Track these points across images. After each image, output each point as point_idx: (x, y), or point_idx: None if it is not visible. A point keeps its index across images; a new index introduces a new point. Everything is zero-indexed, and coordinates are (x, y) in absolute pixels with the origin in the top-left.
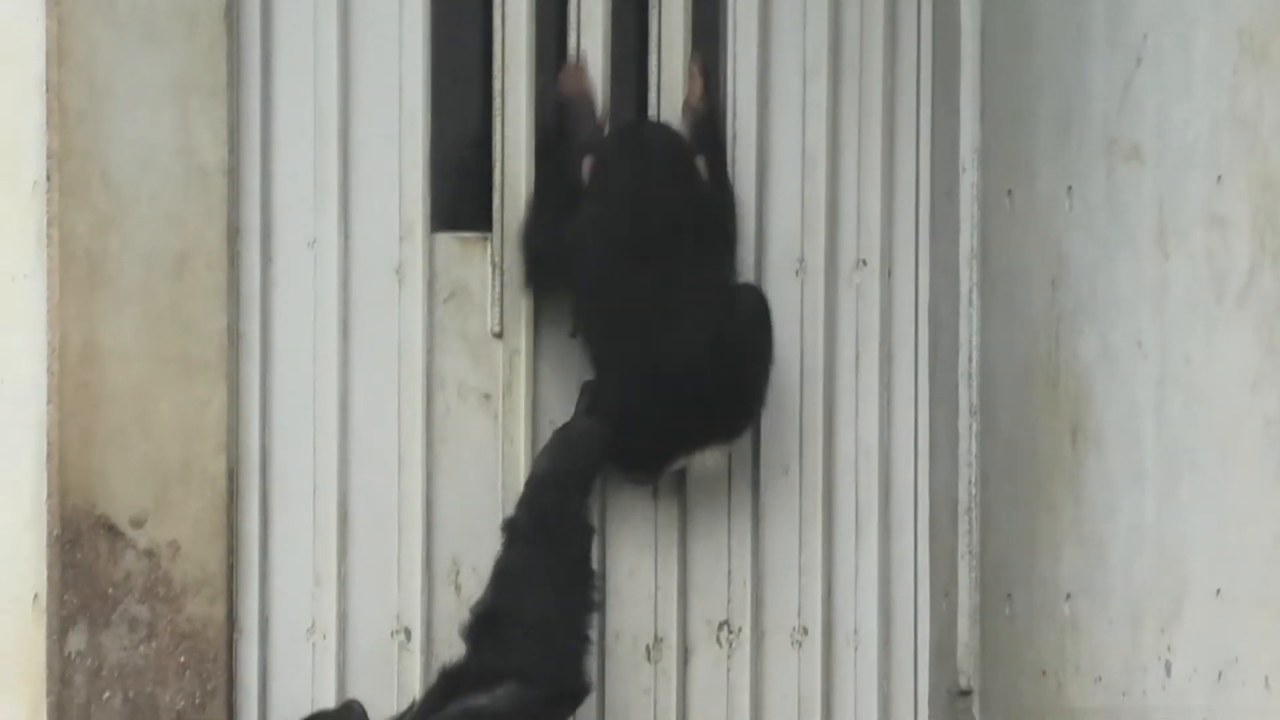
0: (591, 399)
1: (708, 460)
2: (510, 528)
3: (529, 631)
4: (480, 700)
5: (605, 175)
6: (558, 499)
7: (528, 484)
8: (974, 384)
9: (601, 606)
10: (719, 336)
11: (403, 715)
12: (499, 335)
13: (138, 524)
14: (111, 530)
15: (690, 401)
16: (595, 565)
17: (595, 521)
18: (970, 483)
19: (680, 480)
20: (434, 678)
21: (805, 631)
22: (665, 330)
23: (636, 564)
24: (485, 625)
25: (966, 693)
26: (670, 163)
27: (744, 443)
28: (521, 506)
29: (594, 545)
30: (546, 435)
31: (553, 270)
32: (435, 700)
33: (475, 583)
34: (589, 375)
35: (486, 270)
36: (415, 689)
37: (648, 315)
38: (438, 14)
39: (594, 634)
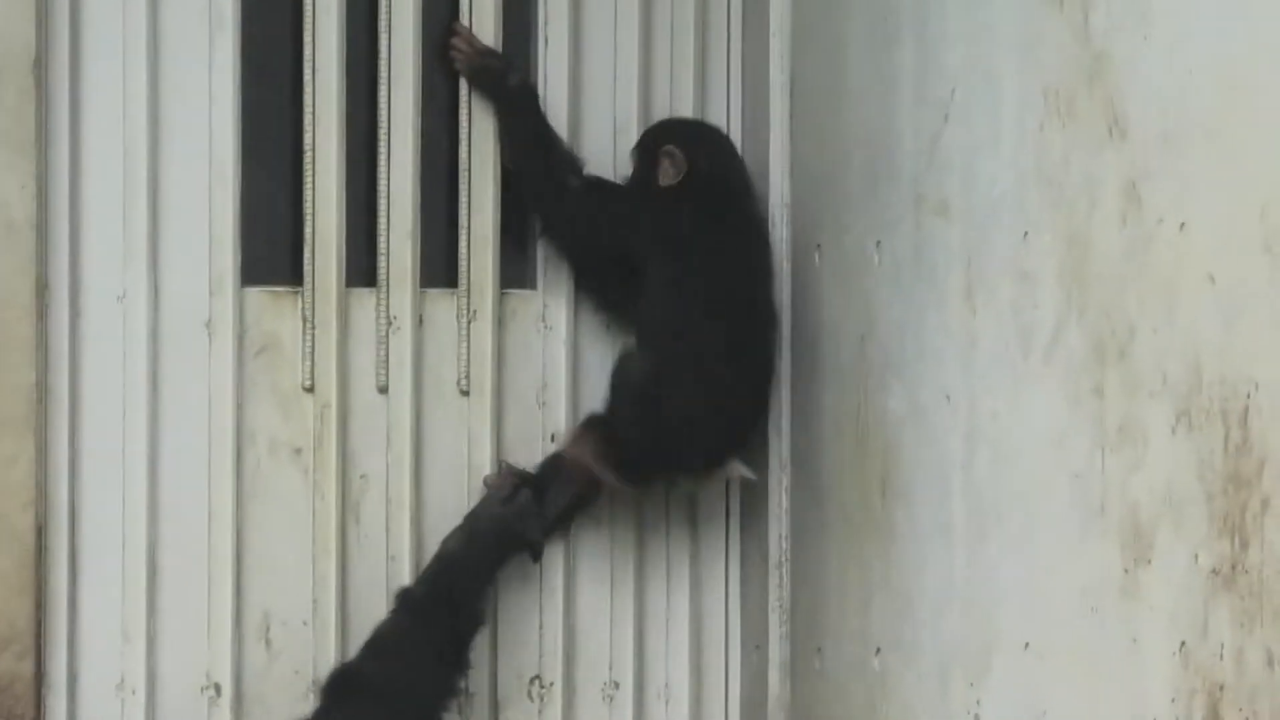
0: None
1: (742, 469)
2: (402, 597)
3: (382, 700)
4: None
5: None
6: (458, 582)
7: (435, 559)
8: (785, 438)
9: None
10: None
11: None
12: (310, 389)
13: None
14: None
15: (750, 397)
16: (470, 655)
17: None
18: (781, 536)
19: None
20: None
21: (617, 686)
22: (751, 323)
23: None
24: (342, 685)
25: None
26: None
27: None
28: (421, 581)
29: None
30: (357, 489)
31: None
32: None
33: (285, 637)
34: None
35: (298, 324)
36: None
37: (739, 306)
38: (248, 67)
39: (450, 710)
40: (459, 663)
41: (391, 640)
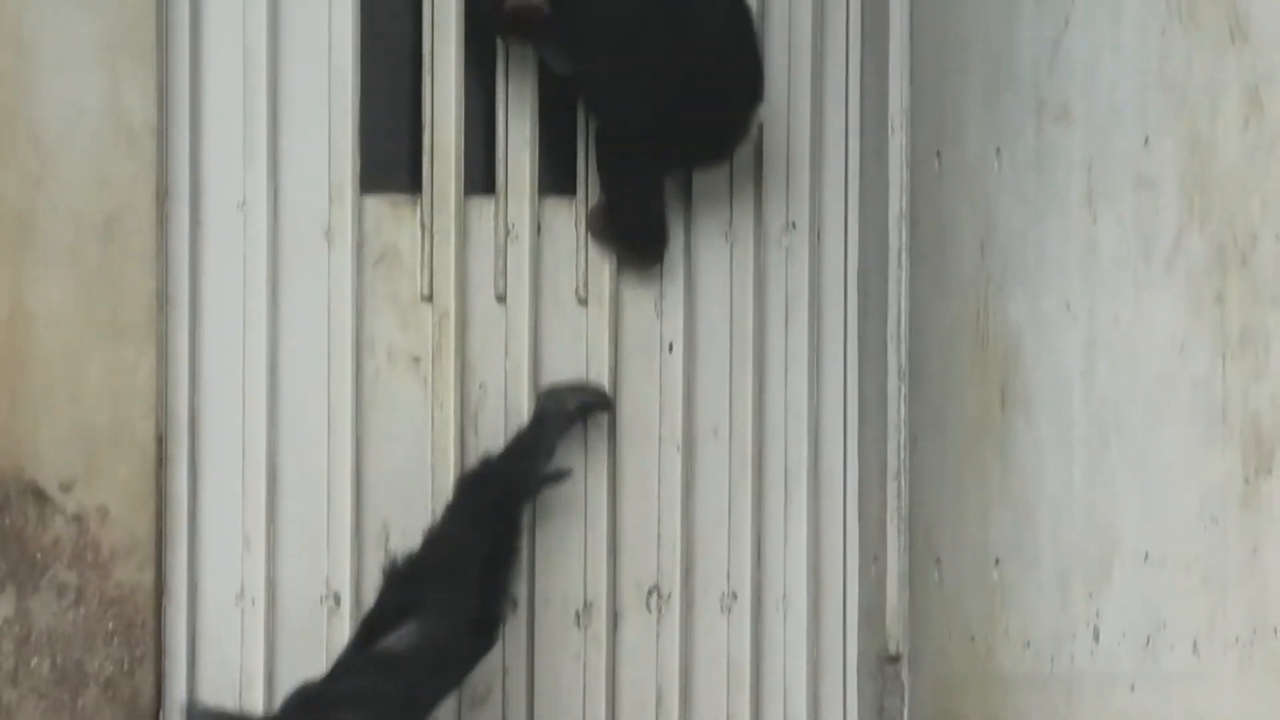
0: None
1: None
2: (458, 483)
3: (437, 565)
4: (387, 641)
5: None
6: (512, 465)
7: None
8: (903, 347)
9: (522, 557)
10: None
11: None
12: (428, 298)
13: (66, 489)
14: (40, 495)
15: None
16: (524, 520)
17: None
18: (899, 446)
19: (608, 444)
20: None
21: (735, 596)
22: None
23: (566, 529)
24: (400, 565)
25: (895, 658)
26: None
27: (673, 403)
28: (477, 465)
29: (528, 507)
30: (475, 398)
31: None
32: (349, 650)
33: (405, 546)
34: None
35: (416, 232)
36: None
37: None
38: None
39: (511, 574)
40: (511, 525)
41: (443, 517)
